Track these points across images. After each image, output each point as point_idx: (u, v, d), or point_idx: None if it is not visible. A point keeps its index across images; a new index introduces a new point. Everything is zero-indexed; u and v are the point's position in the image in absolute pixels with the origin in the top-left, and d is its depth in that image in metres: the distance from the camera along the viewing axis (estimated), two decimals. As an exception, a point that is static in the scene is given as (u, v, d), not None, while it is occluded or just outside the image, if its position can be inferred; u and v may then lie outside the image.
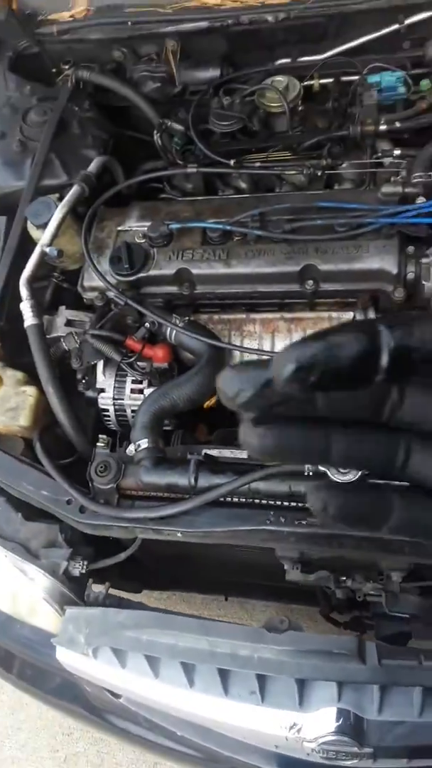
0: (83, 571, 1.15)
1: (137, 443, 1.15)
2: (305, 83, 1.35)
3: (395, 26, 1.28)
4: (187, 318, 1.24)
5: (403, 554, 0.96)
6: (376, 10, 1.26)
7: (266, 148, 1.32)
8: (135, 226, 1.30)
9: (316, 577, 1.06)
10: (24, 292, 1.25)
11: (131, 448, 1.17)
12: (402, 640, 1.13)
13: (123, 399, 1.31)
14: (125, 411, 1.32)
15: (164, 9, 1.40)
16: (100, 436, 1.21)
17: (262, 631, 0.98)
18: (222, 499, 1.07)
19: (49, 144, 1.38)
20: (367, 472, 0.36)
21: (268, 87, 1.31)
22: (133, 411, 1.29)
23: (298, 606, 1.58)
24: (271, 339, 1.23)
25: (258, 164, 1.29)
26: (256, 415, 0.34)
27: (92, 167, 1.37)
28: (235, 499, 1.08)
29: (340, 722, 0.92)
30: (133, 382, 1.30)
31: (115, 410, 1.32)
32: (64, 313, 1.38)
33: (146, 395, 1.24)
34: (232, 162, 1.28)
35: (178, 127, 1.38)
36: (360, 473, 0.87)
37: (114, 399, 1.31)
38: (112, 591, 1.19)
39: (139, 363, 1.26)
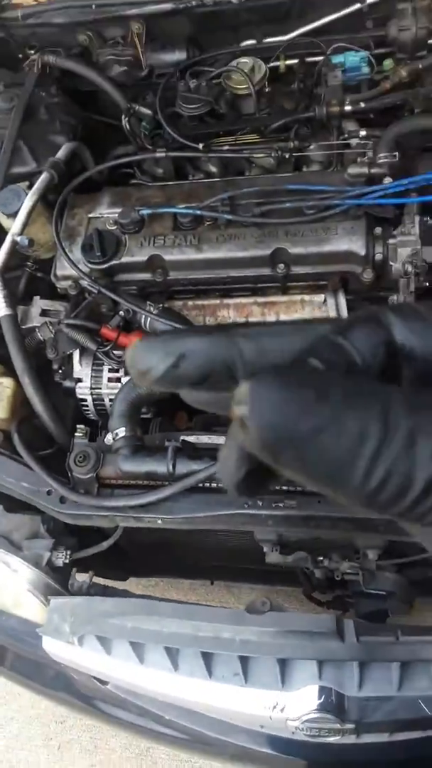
0: (66, 561, 1.16)
1: (115, 432, 1.16)
2: (271, 65, 1.33)
3: (357, 5, 1.27)
4: (161, 305, 1.23)
5: (378, 532, 0.98)
6: (338, -11, 1.25)
7: (234, 131, 1.31)
8: (106, 213, 1.29)
9: (294, 558, 1.07)
10: (-4, 283, 1.24)
11: (109, 437, 1.17)
12: (381, 617, 1.15)
13: (100, 388, 1.31)
14: (103, 400, 1.31)
15: (128, -9, 1.37)
16: (78, 426, 1.21)
17: (243, 613, 1.00)
18: (201, 485, 1.08)
19: (16, 131, 1.36)
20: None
21: (234, 69, 1.29)
22: (110, 400, 1.29)
23: (283, 588, 1.60)
24: (245, 323, 1.23)
25: (227, 148, 1.28)
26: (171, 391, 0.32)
27: (61, 154, 1.35)
28: (214, 485, 1.09)
29: (322, 700, 0.94)
30: (110, 370, 1.29)
31: (93, 400, 1.32)
32: (39, 303, 1.37)
33: (123, 384, 1.24)
34: (200, 146, 1.27)
35: (146, 111, 1.36)
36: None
37: (91, 388, 1.31)
38: (98, 580, 1.20)
39: (114, 351, 1.26)
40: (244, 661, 0.98)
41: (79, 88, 1.50)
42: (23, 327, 1.29)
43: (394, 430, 0.24)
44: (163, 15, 1.36)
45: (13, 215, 1.28)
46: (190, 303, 1.28)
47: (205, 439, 1.15)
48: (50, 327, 1.30)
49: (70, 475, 1.15)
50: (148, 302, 1.23)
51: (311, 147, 1.27)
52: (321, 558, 1.08)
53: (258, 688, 0.97)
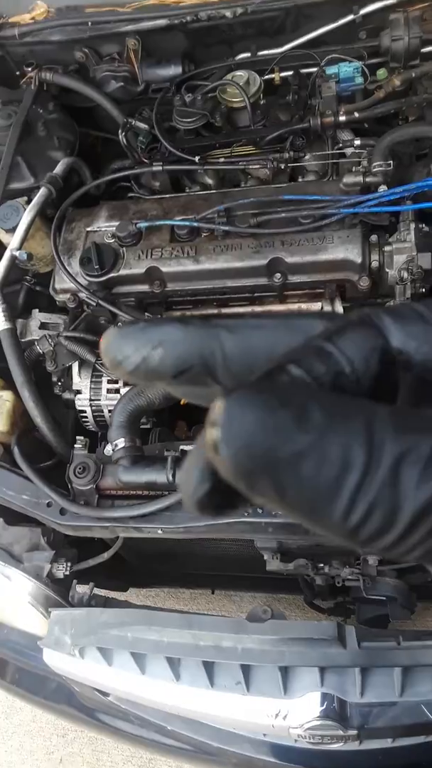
0: (67, 573, 1.16)
1: (114, 443, 1.16)
2: (265, 77, 1.36)
3: (350, 17, 1.29)
4: (159, 316, 1.24)
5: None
6: (331, 1, 1.27)
7: (230, 144, 1.33)
8: (104, 227, 1.31)
9: (295, 566, 1.07)
10: (-5, 297, 1.25)
11: (109, 448, 1.17)
12: (382, 622, 1.14)
13: (99, 399, 1.31)
14: (102, 411, 1.32)
15: (123, 8, 1.40)
16: (78, 437, 1.21)
17: (244, 621, 1.00)
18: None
19: (15, 147, 1.37)
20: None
21: (229, 82, 1.31)
22: (110, 411, 1.29)
23: (285, 595, 1.60)
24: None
25: (223, 160, 1.30)
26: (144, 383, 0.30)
27: (59, 169, 1.37)
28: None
29: (324, 706, 0.94)
30: (109, 382, 1.30)
31: (93, 411, 1.32)
32: (38, 316, 1.38)
33: (122, 395, 1.25)
34: (197, 158, 1.28)
35: (143, 125, 1.38)
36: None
37: (91, 400, 1.32)
38: (99, 591, 1.20)
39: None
40: (245, 669, 0.98)
41: (76, 104, 1.52)
42: (22, 340, 1.30)
43: (378, 456, 0.22)
44: (158, 31, 1.38)
45: (12, 230, 1.30)
46: (188, 313, 1.29)
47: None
48: (49, 340, 1.31)
49: (70, 486, 1.16)
50: (146, 314, 1.25)
51: (306, 157, 1.29)
52: (321, 565, 1.08)
53: (260, 696, 0.97)
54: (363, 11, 1.29)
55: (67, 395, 1.33)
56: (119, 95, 1.46)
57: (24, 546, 1.19)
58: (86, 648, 1.07)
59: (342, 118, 1.25)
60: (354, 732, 0.94)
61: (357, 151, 1.20)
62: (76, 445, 1.19)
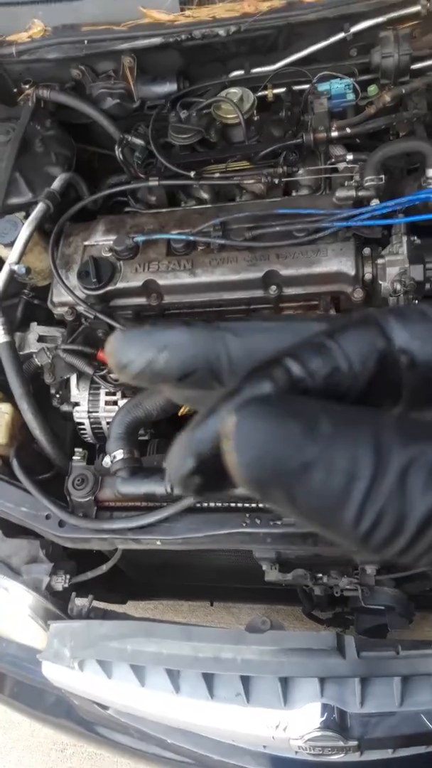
0: (66, 585, 1.16)
1: (113, 454, 1.17)
2: (259, 94, 1.38)
3: (341, 35, 1.31)
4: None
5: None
6: (322, 20, 1.30)
7: (225, 159, 1.35)
8: (101, 241, 1.32)
9: (294, 576, 1.08)
10: (-6, 310, 1.27)
11: (107, 460, 1.18)
12: (381, 632, 1.15)
13: (98, 411, 1.32)
14: (101, 423, 1.33)
15: (119, 27, 1.42)
16: (76, 449, 1.22)
17: (243, 632, 1.00)
18: (198, 505, 1.09)
19: (13, 163, 1.39)
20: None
21: (224, 99, 1.34)
22: (108, 423, 1.30)
23: (283, 606, 1.60)
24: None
25: (218, 175, 1.32)
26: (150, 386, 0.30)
27: (56, 184, 1.39)
28: (212, 504, 1.10)
29: (324, 717, 0.94)
30: (107, 394, 1.31)
31: (91, 423, 1.33)
32: (36, 329, 1.39)
33: (120, 407, 1.26)
34: (192, 174, 1.30)
35: (139, 141, 1.40)
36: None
37: (89, 412, 1.32)
38: (98, 604, 1.20)
39: (111, 375, 1.27)
40: (245, 681, 0.98)
41: (73, 121, 1.54)
42: (21, 353, 1.31)
43: (385, 465, 0.23)
44: (153, 49, 1.40)
45: (10, 244, 1.31)
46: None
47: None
48: (47, 352, 1.32)
49: (68, 498, 1.16)
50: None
51: (300, 172, 1.31)
52: (320, 575, 1.09)
53: (260, 707, 0.97)
54: (354, 29, 1.31)
55: (65, 407, 1.34)
56: (115, 112, 1.48)
57: (23, 558, 1.20)
58: (85, 661, 1.07)
59: (334, 134, 1.27)
60: (354, 743, 0.95)
61: (349, 165, 1.22)
62: (74, 457, 1.20)
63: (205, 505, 1.09)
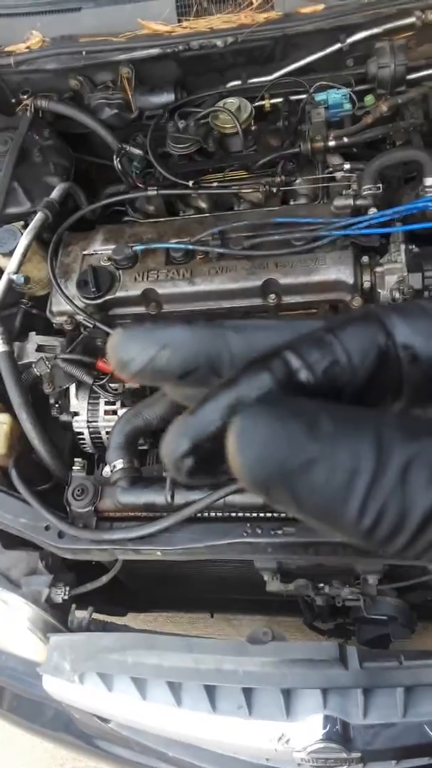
0: (65, 597, 1.15)
1: (113, 464, 1.16)
2: (256, 104, 1.38)
3: (338, 45, 1.32)
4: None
5: (378, 556, 0.98)
6: (318, 31, 1.31)
7: (223, 168, 1.35)
8: (100, 250, 1.32)
9: (295, 586, 1.07)
10: (-8, 320, 1.26)
11: (107, 470, 1.17)
12: (384, 642, 1.14)
13: (97, 421, 1.32)
14: (100, 433, 1.32)
15: (117, 38, 1.43)
16: (76, 459, 1.21)
17: (245, 644, 0.99)
18: (199, 515, 1.08)
19: (11, 173, 1.39)
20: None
21: (221, 109, 1.34)
22: (107, 432, 1.29)
23: (284, 618, 1.59)
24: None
25: (216, 184, 1.32)
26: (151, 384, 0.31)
27: (55, 194, 1.39)
28: (212, 514, 1.09)
29: (327, 729, 0.93)
30: (106, 403, 1.31)
31: (90, 433, 1.33)
32: (35, 339, 1.39)
33: (120, 416, 1.25)
34: (190, 183, 1.30)
35: (137, 151, 1.41)
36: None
37: (88, 422, 1.32)
38: (98, 616, 1.19)
39: (111, 384, 1.27)
40: (247, 692, 0.97)
41: (71, 131, 1.54)
42: (19, 363, 1.31)
43: (387, 461, 0.23)
44: (151, 60, 1.41)
45: (9, 254, 1.31)
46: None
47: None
48: (46, 362, 1.32)
49: (68, 509, 1.15)
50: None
51: (297, 181, 1.32)
52: (322, 585, 1.08)
53: (263, 719, 0.96)
54: (350, 40, 1.32)
55: (64, 417, 1.33)
56: (113, 122, 1.49)
57: (22, 570, 1.18)
58: (86, 674, 1.06)
59: (331, 143, 1.28)
60: (358, 754, 0.94)
61: (347, 174, 1.23)
62: (74, 467, 1.19)
63: (206, 514, 1.08)
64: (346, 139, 1.27)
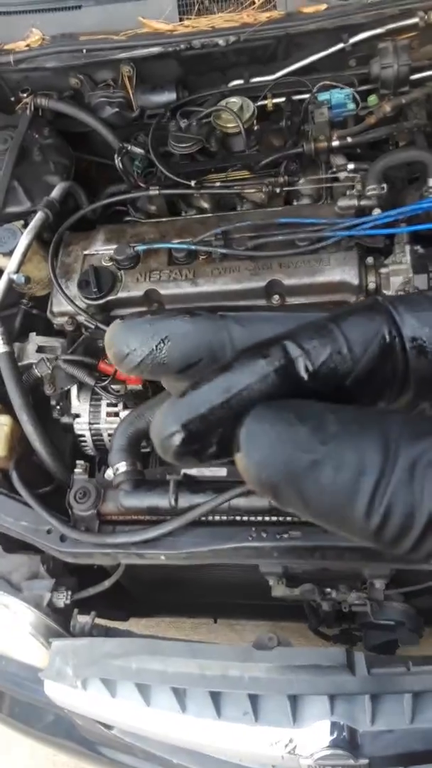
0: (68, 602, 1.14)
1: (115, 467, 1.15)
2: (259, 103, 1.37)
3: (340, 45, 1.31)
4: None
5: (385, 561, 0.97)
6: (321, 30, 1.30)
7: (225, 168, 1.34)
8: (101, 250, 1.31)
9: (301, 591, 1.06)
10: (-8, 320, 1.25)
11: (109, 472, 1.16)
12: (391, 648, 1.13)
13: (99, 423, 1.30)
14: (102, 435, 1.31)
15: (117, 36, 1.41)
16: (78, 461, 1.20)
17: (251, 649, 0.98)
18: (203, 519, 1.07)
19: (11, 172, 1.38)
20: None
21: (223, 108, 1.33)
22: (109, 435, 1.28)
23: (288, 623, 1.58)
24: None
25: (218, 184, 1.31)
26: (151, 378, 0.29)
27: (55, 193, 1.38)
28: (217, 518, 1.08)
29: (334, 735, 0.92)
30: (108, 405, 1.29)
31: (92, 435, 1.31)
32: (35, 340, 1.37)
33: (122, 418, 1.24)
34: (193, 183, 1.29)
35: (138, 150, 1.39)
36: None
37: (90, 423, 1.30)
38: (100, 621, 1.18)
39: (113, 386, 1.26)
40: (253, 699, 0.96)
41: (72, 130, 1.53)
42: (20, 364, 1.29)
43: (394, 459, 0.23)
44: (152, 58, 1.40)
45: (9, 254, 1.29)
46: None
47: (206, 472, 1.15)
48: (47, 363, 1.30)
49: (70, 512, 1.14)
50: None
51: (301, 181, 1.31)
52: (328, 589, 1.07)
53: (269, 726, 0.95)
54: (352, 40, 1.31)
55: (65, 419, 1.32)
56: (114, 121, 1.47)
57: (23, 574, 1.17)
58: (89, 679, 1.04)
59: (335, 143, 1.27)
60: (365, 761, 0.92)
61: (351, 175, 1.22)
62: (76, 470, 1.18)
63: (211, 518, 1.07)
64: (349, 139, 1.27)
